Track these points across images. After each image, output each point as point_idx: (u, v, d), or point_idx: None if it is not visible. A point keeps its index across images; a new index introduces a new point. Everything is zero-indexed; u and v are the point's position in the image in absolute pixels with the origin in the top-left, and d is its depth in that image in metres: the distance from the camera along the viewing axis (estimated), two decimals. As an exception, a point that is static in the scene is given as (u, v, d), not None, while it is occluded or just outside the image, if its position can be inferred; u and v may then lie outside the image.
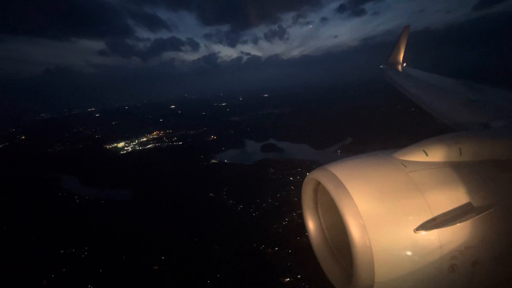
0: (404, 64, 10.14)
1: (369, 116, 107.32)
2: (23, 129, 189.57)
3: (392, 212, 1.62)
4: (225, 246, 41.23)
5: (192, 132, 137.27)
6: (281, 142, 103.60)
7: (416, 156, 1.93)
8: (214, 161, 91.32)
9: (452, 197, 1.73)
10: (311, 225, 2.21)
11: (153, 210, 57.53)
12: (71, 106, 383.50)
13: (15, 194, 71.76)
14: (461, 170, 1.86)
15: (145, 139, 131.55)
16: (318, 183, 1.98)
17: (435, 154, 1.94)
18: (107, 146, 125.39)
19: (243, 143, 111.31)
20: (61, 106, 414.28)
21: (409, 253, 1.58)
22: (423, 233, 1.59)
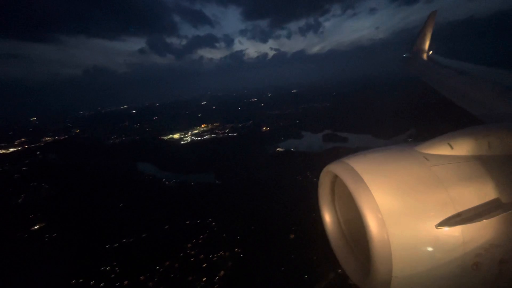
0: (430, 53, 9.34)
1: (412, 106, 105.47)
2: (72, 125, 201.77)
3: (412, 207, 1.61)
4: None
5: (240, 125, 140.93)
6: (341, 133, 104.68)
7: (440, 149, 1.90)
8: (279, 149, 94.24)
9: (478, 192, 1.68)
10: (327, 218, 2.24)
11: (251, 191, 61.01)
12: (104, 104, 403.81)
13: (109, 179, 78.33)
14: (489, 165, 1.81)
15: (196, 131, 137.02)
16: (336, 176, 1.99)
17: (461, 147, 1.90)
18: (164, 138, 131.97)
19: (299, 133, 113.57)
20: (96, 104, 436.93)
21: (429, 248, 1.56)
22: (445, 229, 1.57)
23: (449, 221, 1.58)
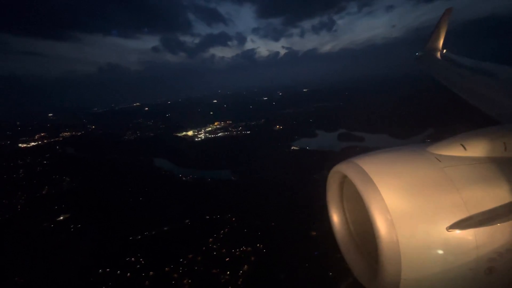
0: (444, 51, 8.98)
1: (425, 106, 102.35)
2: (88, 121, 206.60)
3: (423, 209, 1.58)
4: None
5: (253, 123, 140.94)
6: (356, 132, 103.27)
7: (453, 150, 1.86)
8: (294, 148, 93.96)
9: (493, 195, 1.64)
10: (335, 218, 2.22)
11: (268, 188, 61.16)
12: (117, 101, 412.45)
13: (127, 174, 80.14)
14: (504, 166, 1.76)
15: (209, 128, 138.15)
16: (344, 176, 1.96)
17: (475, 148, 1.85)
18: (178, 134, 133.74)
19: (313, 132, 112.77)
20: (109, 102, 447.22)
21: (440, 251, 1.53)
22: (457, 232, 1.53)
23: (461, 224, 1.53)
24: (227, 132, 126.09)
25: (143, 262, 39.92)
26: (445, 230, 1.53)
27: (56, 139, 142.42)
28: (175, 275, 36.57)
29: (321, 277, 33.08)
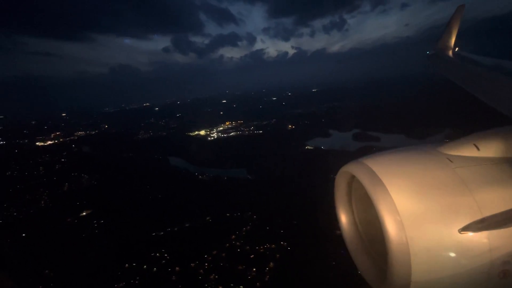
0: (456, 49, 8.66)
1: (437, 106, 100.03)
2: (100, 120, 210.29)
3: (434, 210, 1.53)
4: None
5: (264, 123, 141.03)
6: (370, 132, 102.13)
7: (465, 150, 1.81)
8: (309, 147, 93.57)
9: (507, 197, 1.59)
10: (343, 219, 2.20)
11: (286, 187, 61.10)
12: (128, 102, 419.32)
13: (144, 172, 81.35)
14: None
15: (221, 128, 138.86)
16: (353, 176, 1.92)
17: (489, 148, 1.79)
18: (190, 134, 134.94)
19: (327, 132, 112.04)
20: (119, 102, 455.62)
21: (452, 254, 1.49)
22: (470, 234, 1.48)
23: (475, 226, 1.49)
24: (239, 131, 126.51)
25: (168, 257, 40.47)
26: (457, 232, 1.49)
27: (71, 138, 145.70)
28: (201, 271, 36.93)
29: (348, 276, 32.75)
